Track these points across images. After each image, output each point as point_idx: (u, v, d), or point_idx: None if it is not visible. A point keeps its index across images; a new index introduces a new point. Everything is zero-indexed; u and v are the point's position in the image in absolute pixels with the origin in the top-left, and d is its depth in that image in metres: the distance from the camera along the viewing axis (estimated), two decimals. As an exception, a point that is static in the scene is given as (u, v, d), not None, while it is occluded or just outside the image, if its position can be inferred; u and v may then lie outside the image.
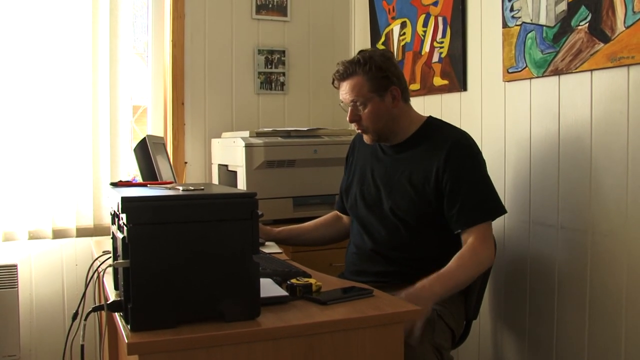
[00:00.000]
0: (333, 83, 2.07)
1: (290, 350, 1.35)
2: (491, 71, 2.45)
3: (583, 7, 2.02)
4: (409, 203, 1.98)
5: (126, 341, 1.24)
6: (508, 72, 2.34)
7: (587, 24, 2.01)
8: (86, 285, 1.85)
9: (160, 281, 1.29)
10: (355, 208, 2.14)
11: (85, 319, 1.43)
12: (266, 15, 3.31)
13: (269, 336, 1.33)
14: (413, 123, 2.07)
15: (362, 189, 2.13)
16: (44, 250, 2.90)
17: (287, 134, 2.88)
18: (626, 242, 1.93)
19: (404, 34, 2.95)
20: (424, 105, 2.79)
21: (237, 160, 2.79)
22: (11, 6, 2.75)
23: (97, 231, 2.89)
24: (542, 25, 2.18)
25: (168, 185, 1.68)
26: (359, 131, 2.08)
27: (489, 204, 1.95)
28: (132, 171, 2.96)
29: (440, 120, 2.12)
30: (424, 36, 2.81)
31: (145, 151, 2.48)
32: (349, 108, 2.02)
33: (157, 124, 3.20)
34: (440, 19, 2.71)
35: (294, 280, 1.58)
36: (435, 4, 2.74)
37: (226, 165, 2.98)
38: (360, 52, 2.02)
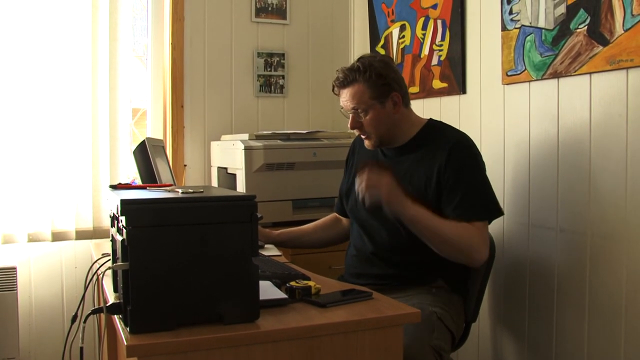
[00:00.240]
0: (333, 90, 2.07)
1: (289, 352, 1.35)
2: (490, 74, 2.45)
3: (582, 10, 2.02)
4: (409, 205, 1.98)
5: (125, 344, 1.24)
6: (507, 75, 2.34)
7: (586, 27, 2.01)
8: (85, 288, 1.85)
9: (160, 284, 1.29)
10: (356, 210, 2.14)
11: (85, 322, 1.43)
12: (265, 18, 3.31)
13: (269, 339, 1.33)
14: (414, 126, 2.07)
15: (362, 191, 2.13)
16: (43, 252, 2.90)
17: (287, 137, 2.89)
18: (625, 244, 1.93)
19: (403, 36, 2.95)
20: (423, 108, 2.79)
21: (236, 162, 2.79)
22: (11, 10, 2.75)
23: (96, 234, 2.90)
24: (541, 28, 2.18)
25: (167, 188, 1.68)
26: (363, 137, 2.08)
27: (487, 205, 1.95)
28: (132, 174, 2.96)
29: (441, 122, 2.13)
30: (423, 39, 2.82)
31: (144, 154, 2.48)
32: (350, 115, 2.02)
33: (156, 127, 3.20)
34: (439, 22, 2.72)
35: (293, 283, 1.58)
36: (434, 7, 2.74)
37: (225, 168, 2.98)
38: (360, 58, 2.02)
